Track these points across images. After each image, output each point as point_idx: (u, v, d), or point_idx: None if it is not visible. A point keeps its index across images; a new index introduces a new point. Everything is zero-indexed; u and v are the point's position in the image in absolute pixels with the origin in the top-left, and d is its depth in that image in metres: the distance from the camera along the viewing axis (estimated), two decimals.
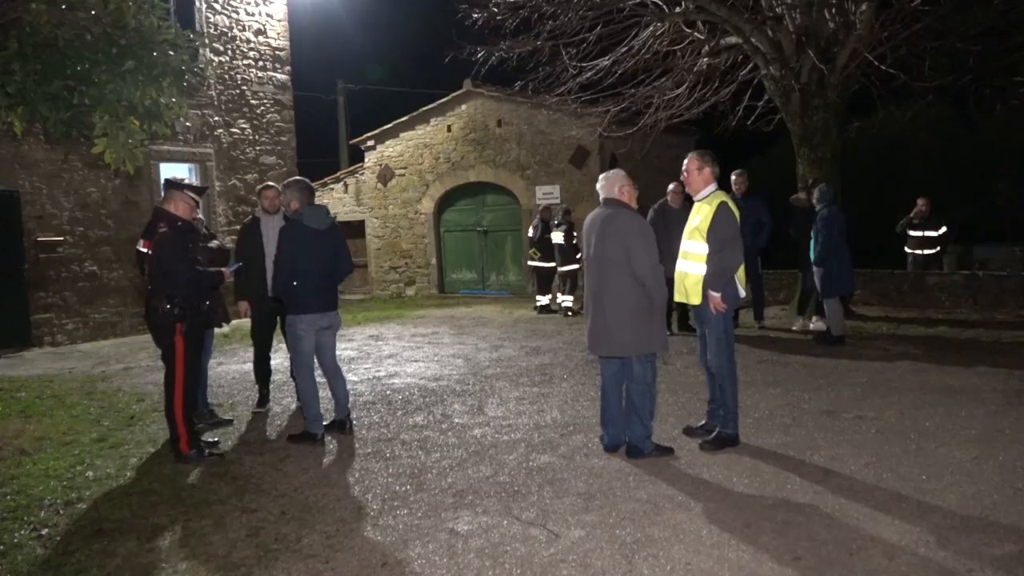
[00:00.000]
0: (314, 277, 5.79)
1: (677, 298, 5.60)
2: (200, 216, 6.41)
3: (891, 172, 19.29)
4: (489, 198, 18.16)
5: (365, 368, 8.92)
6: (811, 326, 10.10)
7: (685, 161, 5.57)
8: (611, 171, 5.43)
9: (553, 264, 13.28)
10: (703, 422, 5.81)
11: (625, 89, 12.46)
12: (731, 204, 5.36)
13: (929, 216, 12.77)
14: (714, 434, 5.52)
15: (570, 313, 12.79)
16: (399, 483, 5.01)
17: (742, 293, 5.48)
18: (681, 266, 5.54)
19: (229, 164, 14.93)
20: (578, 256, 12.66)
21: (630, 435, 5.31)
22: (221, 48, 14.79)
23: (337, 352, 10.02)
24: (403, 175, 18.90)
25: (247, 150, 15.32)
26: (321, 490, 4.94)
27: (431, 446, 5.78)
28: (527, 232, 14.66)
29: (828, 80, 10.23)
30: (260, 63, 15.60)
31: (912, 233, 12.93)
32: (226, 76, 14.87)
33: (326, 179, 20.22)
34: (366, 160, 19.42)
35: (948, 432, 5.65)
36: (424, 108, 18.43)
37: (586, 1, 10.91)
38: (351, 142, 19.61)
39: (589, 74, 12.12)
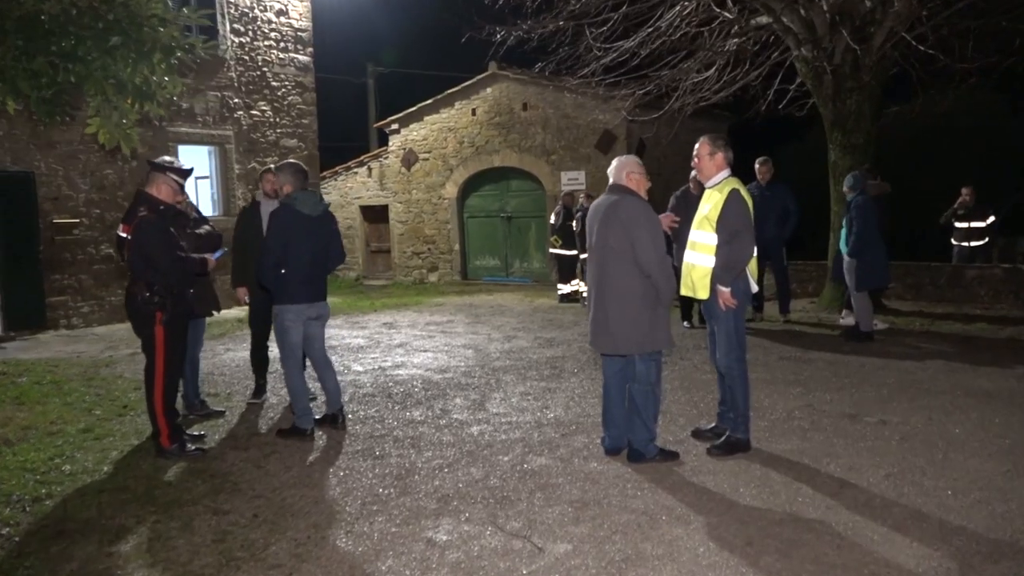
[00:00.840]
0: (303, 265, 5.52)
1: (683, 292, 5.22)
2: (189, 199, 6.16)
3: (932, 160, 18.49)
4: (513, 183, 17.79)
5: (372, 357, 8.67)
6: (840, 320, 9.64)
7: (696, 145, 5.19)
8: (623, 156, 5.06)
9: (575, 252, 12.90)
10: (713, 424, 5.45)
11: (651, 71, 12.01)
12: (743, 192, 4.97)
13: (975, 206, 12.17)
14: (723, 438, 5.15)
15: None
16: (383, 485, 4.73)
17: (754, 288, 5.10)
18: (689, 257, 5.16)
19: (249, 146, 14.76)
20: None
21: (632, 438, 4.97)
22: (242, 29, 14.58)
23: (348, 340, 9.94)
24: (427, 159, 18.61)
25: (267, 132, 15.13)
26: (300, 491, 4.68)
27: (424, 444, 5.50)
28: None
29: (863, 61, 9.70)
30: (282, 44, 15.38)
31: (958, 224, 12.33)
32: (246, 57, 14.67)
33: (350, 163, 20.01)
34: (390, 144, 19.16)
35: (979, 441, 5.22)
36: (449, 91, 18.09)
37: None
38: (376, 125, 19.34)
39: (614, 55, 11.69)
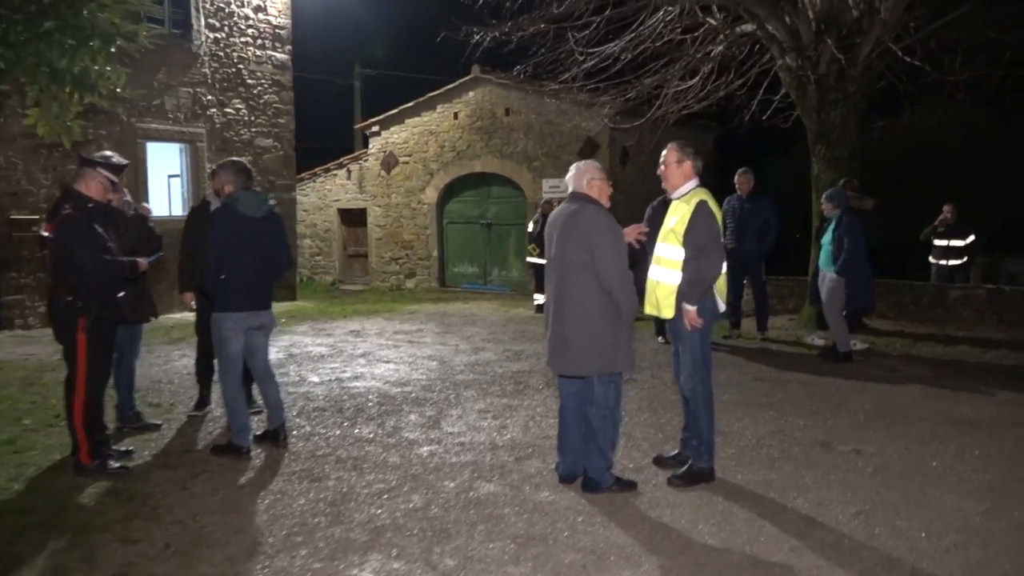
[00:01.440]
0: (244, 270, 5.15)
1: (648, 310, 4.89)
2: (126, 197, 5.78)
3: (919, 176, 18.25)
4: (494, 190, 17.47)
5: (331, 367, 8.29)
6: (808, 340, 9.34)
7: (663, 152, 4.86)
8: (583, 162, 4.73)
9: None
10: (676, 451, 5.11)
11: (633, 78, 11.70)
12: (712, 203, 4.64)
13: (956, 224, 11.90)
14: (685, 467, 4.81)
15: None
16: (315, 512, 4.36)
17: (721, 306, 4.77)
18: (653, 273, 4.83)
19: (222, 145, 14.34)
20: None
21: (587, 465, 4.62)
22: (217, 24, 14.19)
23: (310, 348, 9.56)
24: (407, 163, 18.26)
25: (242, 131, 14.73)
26: (223, 517, 4.30)
27: (368, 466, 5.13)
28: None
29: (848, 72, 9.41)
30: (259, 41, 15.00)
31: (937, 242, 12.05)
32: (221, 53, 14.27)
33: (329, 165, 19.64)
34: (370, 146, 18.80)
35: (957, 475, 4.90)
36: (431, 94, 17.76)
37: None
38: (357, 127, 18.98)
39: (595, 60, 11.38)
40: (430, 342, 9.91)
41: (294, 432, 5.85)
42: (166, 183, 14.10)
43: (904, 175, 18.25)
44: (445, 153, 17.74)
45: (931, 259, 12.20)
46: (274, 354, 8.98)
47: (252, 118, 14.93)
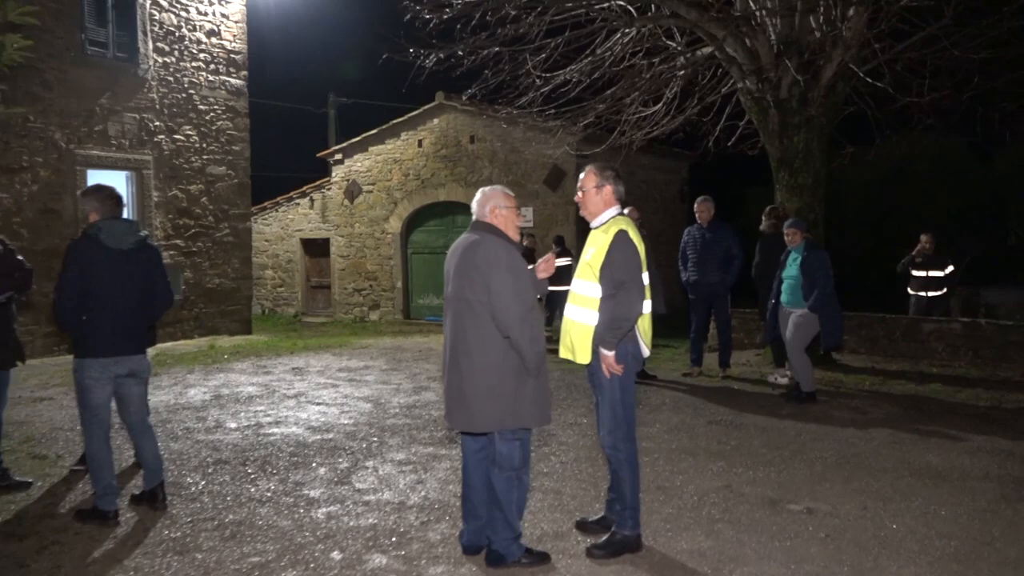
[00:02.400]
0: (109, 310, 4.53)
1: (562, 353, 4.29)
2: None
3: (891, 205, 17.84)
4: (459, 219, 16.92)
5: (255, 411, 7.64)
6: (771, 379, 8.77)
7: (581, 176, 4.30)
8: (490, 187, 4.16)
9: None
10: (601, 515, 4.49)
11: (595, 102, 11.22)
12: (633, 233, 4.08)
13: (933, 254, 11.41)
14: (606, 536, 4.19)
15: None
16: None
17: (645, 352, 4.18)
18: (569, 312, 4.24)
19: (171, 173, 13.77)
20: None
21: (492, 535, 4.00)
22: (166, 48, 13.67)
23: (241, 388, 8.90)
24: (371, 191, 17.72)
25: (192, 159, 14.16)
26: None
27: (249, 534, 4.49)
28: None
29: (811, 95, 8.94)
30: (212, 66, 14.49)
31: (915, 273, 11.53)
32: (171, 78, 13.74)
33: (292, 193, 19.08)
34: (333, 174, 18.27)
35: (920, 541, 4.31)
36: (394, 121, 17.30)
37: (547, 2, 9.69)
38: (319, 155, 18.45)
39: (553, 85, 10.89)
40: (372, 380, 9.28)
41: (182, 491, 5.20)
42: None
43: (877, 204, 17.83)
44: (409, 182, 17.23)
45: (909, 290, 11.70)
46: (201, 395, 8.37)
47: (204, 145, 14.37)
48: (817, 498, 5.02)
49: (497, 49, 10.54)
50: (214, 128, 14.54)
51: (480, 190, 4.09)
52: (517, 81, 10.98)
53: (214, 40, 14.52)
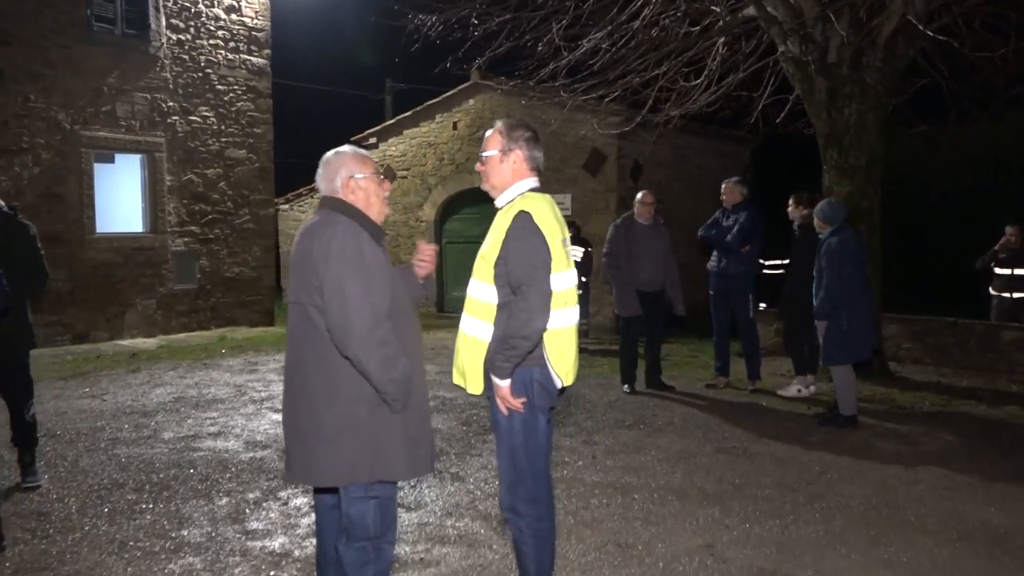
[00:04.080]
0: None
1: (455, 379, 3.20)
2: None
3: (969, 192, 15.74)
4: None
5: (205, 418, 6.78)
6: (780, 392, 7.48)
7: (485, 135, 3.20)
8: (344, 148, 3.07)
9: None
10: None
11: (630, 74, 9.94)
12: (542, 216, 2.97)
13: (1020, 249, 9.79)
14: None
15: None
16: None
17: (558, 383, 3.04)
18: (462, 324, 3.15)
19: (185, 156, 13.11)
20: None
21: None
22: (181, 24, 12.99)
23: (214, 389, 8.07)
24: (405, 177, 16.83)
25: (209, 141, 13.48)
26: None
27: None
28: None
29: (866, 60, 7.52)
30: (231, 44, 13.77)
31: (999, 271, 9.92)
32: (185, 56, 13.06)
33: None
34: None
35: None
36: (429, 102, 16.33)
37: None
38: (352, 139, 17.62)
39: (580, 52, 9.71)
40: None
41: (35, 526, 4.32)
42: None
43: (950, 191, 15.80)
44: (444, 166, 16.26)
45: (991, 290, 10.10)
46: (162, 397, 7.62)
47: (222, 127, 13.68)
48: (824, 570, 3.78)
49: (509, 16, 9.44)
50: (233, 109, 13.83)
51: (325, 156, 3.00)
52: (539, 51, 9.86)
53: (234, 16, 13.78)
